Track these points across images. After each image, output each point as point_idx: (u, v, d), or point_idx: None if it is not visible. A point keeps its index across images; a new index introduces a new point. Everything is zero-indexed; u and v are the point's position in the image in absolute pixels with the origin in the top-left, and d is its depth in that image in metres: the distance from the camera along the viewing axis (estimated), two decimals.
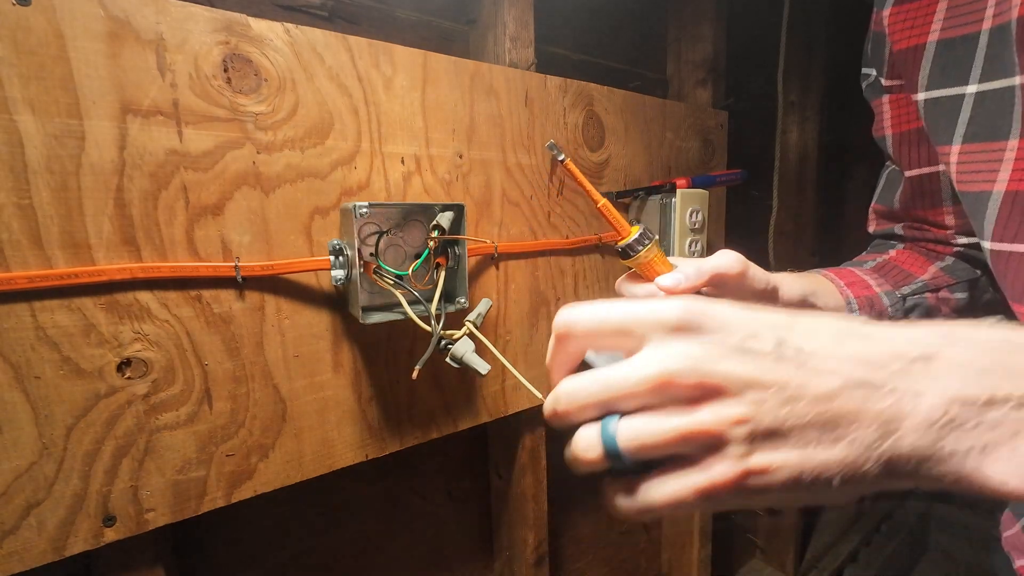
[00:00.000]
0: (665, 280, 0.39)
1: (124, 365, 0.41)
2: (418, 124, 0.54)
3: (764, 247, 1.11)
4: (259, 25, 0.44)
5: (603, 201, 0.40)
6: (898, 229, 0.59)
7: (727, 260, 0.40)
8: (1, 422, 0.37)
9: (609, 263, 0.77)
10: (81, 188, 0.38)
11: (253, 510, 0.57)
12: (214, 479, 0.46)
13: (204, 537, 0.57)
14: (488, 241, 0.60)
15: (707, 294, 0.40)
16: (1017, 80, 0.38)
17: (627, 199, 0.76)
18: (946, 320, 0.22)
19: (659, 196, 0.73)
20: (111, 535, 0.42)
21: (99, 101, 0.38)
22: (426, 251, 0.51)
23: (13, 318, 0.37)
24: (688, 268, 0.40)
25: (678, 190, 0.72)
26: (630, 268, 0.43)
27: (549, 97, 0.64)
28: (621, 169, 0.75)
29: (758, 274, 0.42)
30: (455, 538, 0.79)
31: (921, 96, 0.45)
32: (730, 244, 0.99)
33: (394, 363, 0.55)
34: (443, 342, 0.46)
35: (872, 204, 0.61)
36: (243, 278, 0.45)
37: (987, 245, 0.42)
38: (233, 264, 0.44)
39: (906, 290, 0.53)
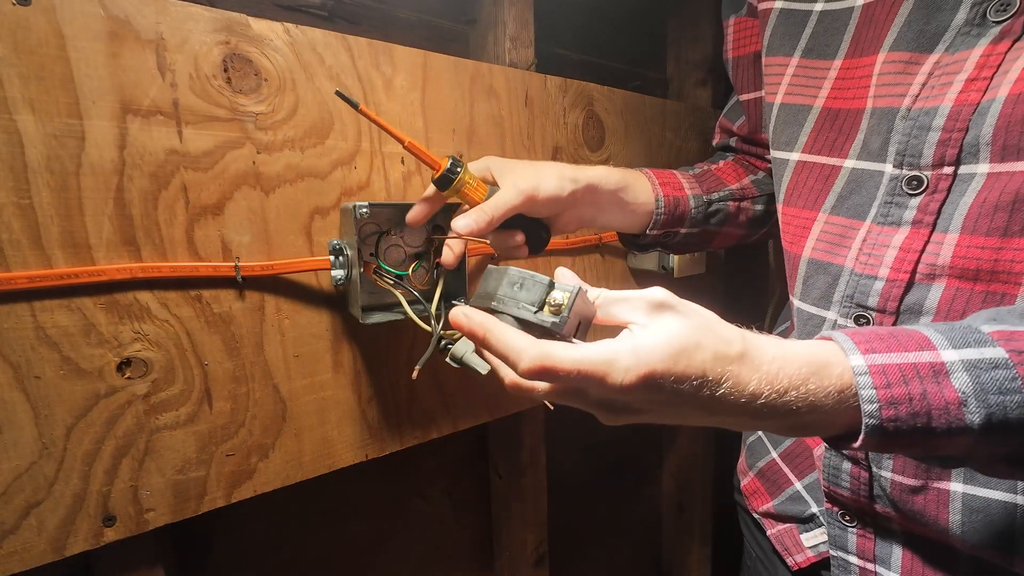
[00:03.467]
0: (458, 223, 0.42)
1: (124, 365, 0.41)
2: (418, 124, 0.54)
3: (764, 245, 1.11)
4: (259, 25, 0.44)
5: (409, 139, 0.43)
6: (732, 143, 0.66)
7: (508, 197, 0.44)
8: (1, 422, 0.37)
9: (609, 263, 0.77)
10: (81, 188, 0.38)
11: (253, 510, 0.57)
12: (214, 479, 0.46)
13: (204, 537, 0.57)
14: (488, 241, 0.60)
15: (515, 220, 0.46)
16: (859, 1, 0.43)
17: None
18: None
19: None
20: (111, 535, 0.42)
21: (99, 101, 0.38)
22: (426, 251, 0.51)
23: (13, 318, 0.37)
24: (481, 217, 0.43)
25: None
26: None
27: (549, 97, 0.64)
28: None
29: (550, 189, 0.46)
30: (455, 538, 0.79)
31: (777, 4, 0.50)
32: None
33: (394, 363, 0.55)
34: (443, 342, 0.46)
35: (719, 119, 0.68)
36: (243, 278, 0.45)
37: (795, 156, 0.48)
38: (233, 264, 0.44)
39: (714, 196, 0.59)
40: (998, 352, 0.27)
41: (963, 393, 0.26)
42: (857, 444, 0.28)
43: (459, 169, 0.43)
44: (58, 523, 0.40)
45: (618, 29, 0.90)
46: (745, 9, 0.59)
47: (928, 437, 0.27)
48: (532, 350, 0.29)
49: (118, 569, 0.44)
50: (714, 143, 0.70)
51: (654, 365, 0.27)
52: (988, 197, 0.35)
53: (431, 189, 0.45)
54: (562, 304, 0.31)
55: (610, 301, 0.32)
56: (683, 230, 0.58)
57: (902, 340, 0.29)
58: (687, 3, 0.93)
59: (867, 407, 0.27)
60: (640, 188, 0.54)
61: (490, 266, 0.35)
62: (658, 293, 0.30)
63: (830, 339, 0.30)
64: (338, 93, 0.39)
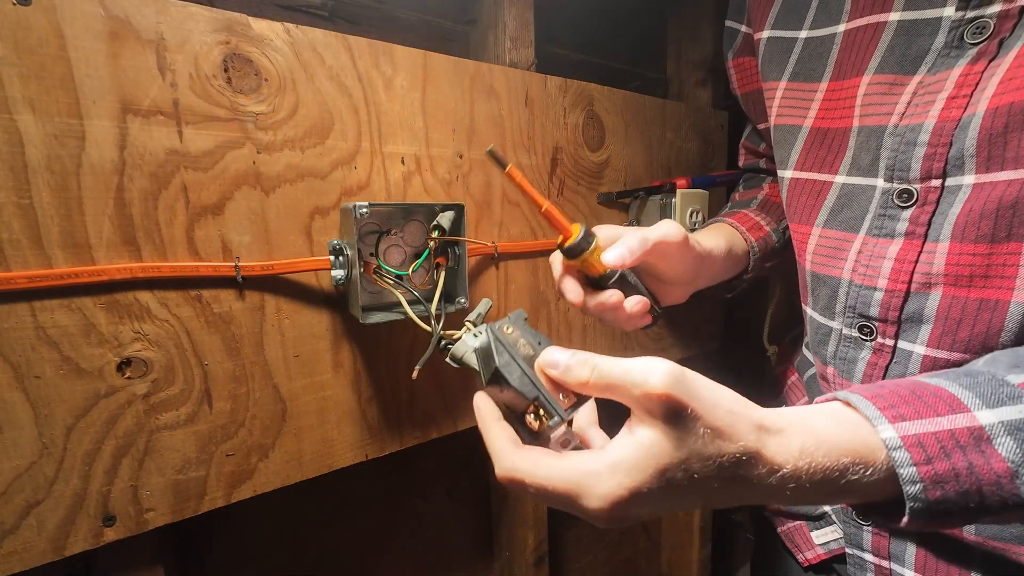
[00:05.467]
0: (609, 256, 0.42)
1: (124, 365, 0.41)
2: (418, 124, 0.54)
3: None
4: (259, 25, 0.44)
5: (547, 205, 0.41)
6: (762, 163, 0.70)
7: (669, 229, 0.45)
8: (1, 422, 0.37)
9: None
10: (81, 188, 0.38)
11: (253, 510, 0.57)
12: (214, 479, 0.46)
13: (204, 537, 0.57)
14: (488, 242, 0.60)
15: (649, 263, 0.46)
16: (840, 28, 0.45)
17: (627, 199, 0.76)
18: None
19: (659, 196, 0.73)
20: (111, 535, 0.42)
21: (99, 101, 0.38)
22: (426, 251, 0.51)
23: (13, 318, 0.37)
24: (632, 241, 0.43)
25: (678, 190, 0.72)
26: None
27: (549, 97, 0.64)
28: (621, 169, 0.75)
29: (697, 241, 0.49)
30: (455, 538, 0.79)
31: (765, 34, 0.52)
32: None
33: (394, 363, 0.55)
34: (443, 342, 0.46)
35: (741, 141, 0.73)
36: (243, 278, 0.45)
37: (789, 174, 0.50)
38: (233, 264, 0.44)
39: (784, 222, 0.63)
40: None
41: (1012, 463, 0.24)
42: (903, 524, 0.25)
43: (592, 242, 0.41)
44: (58, 523, 0.40)
45: (618, 29, 0.90)
46: (740, 40, 0.62)
47: (980, 514, 0.25)
48: (504, 460, 0.28)
49: (118, 569, 0.44)
50: (741, 164, 0.74)
51: (637, 487, 0.25)
52: (974, 206, 0.36)
53: (560, 257, 0.44)
54: (545, 422, 0.30)
55: (603, 383, 0.28)
56: (768, 264, 0.61)
57: (928, 401, 0.26)
58: (687, 3, 0.93)
59: (910, 488, 0.24)
60: (736, 242, 0.57)
61: (525, 323, 0.34)
62: (656, 380, 0.25)
63: (847, 404, 0.27)
64: (490, 152, 0.39)
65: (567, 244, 0.42)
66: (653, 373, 0.25)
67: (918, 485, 0.24)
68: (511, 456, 0.29)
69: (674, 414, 0.25)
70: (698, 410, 0.25)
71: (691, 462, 0.25)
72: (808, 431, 0.26)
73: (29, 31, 0.36)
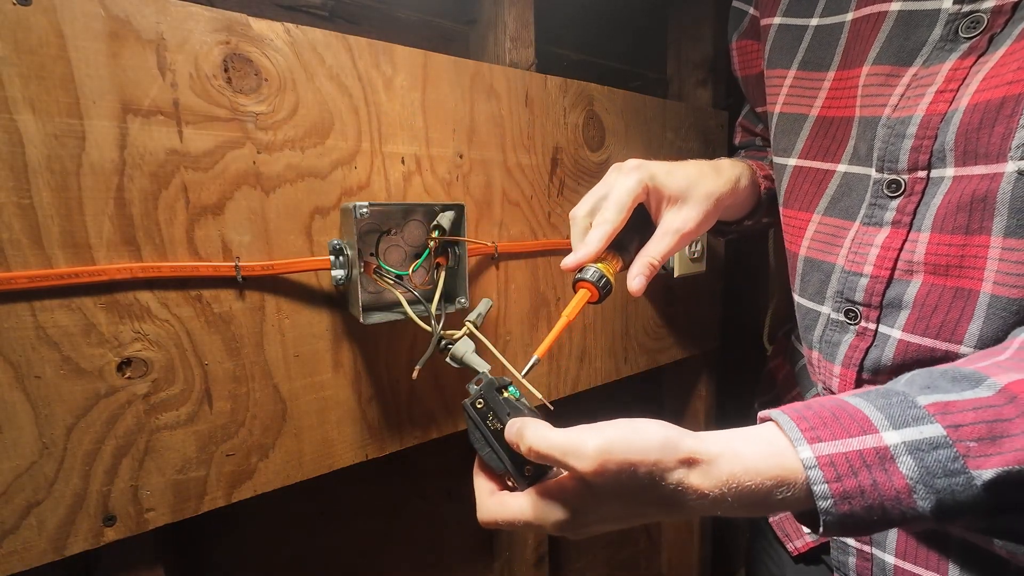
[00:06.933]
0: (634, 285, 0.45)
1: (124, 365, 0.41)
2: (418, 124, 0.54)
3: (764, 246, 1.11)
4: (259, 25, 0.44)
5: (565, 322, 0.43)
6: (758, 141, 0.72)
7: (666, 245, 0.47)
8: (1, 422, 0.37)
9: None
10: (81, 188, 0.38)
11: (253, 510, 0.57)
12: (214, 479, 0.46)
13: (204, 537, 0.57)
14: (489, 242, 0.60)
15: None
16: (849, 16, 0.46)
17: None
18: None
19: None
20: (111, 535, 0.42)
21: (99, 101, 0.38)
22: (426, 251, 0.51)
23: (13, 318, 0.37)
24: (649, 270, 0.46)
25: None
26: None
27: (549, 97, 0.64)
28: None
29: (722, 192, 0.51)
30: (455, 538, 0.79)
31: (776, 21, 0.53)
32: (730, 243, 0.99)
33: (394, 363, 0.55)
34: (443, 342, 0.46)
35: (739, 120, 0.74)
36: (243, 278, 0.45)
37: (792, 162, 0.51)
38: (233, 264, 0.44)
39: None
40: (936, 429, 0.27)
41: (911, 479, 0.27)
42: (819, 532, 0.29)
43: (609, 287, 0.44)
44: (58, 523, 0.40)
45: (618, 29, 0.90)
46: (746, 22, 0.62)
47: (886, 523, 0.28)
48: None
49: (118, 569, 0.44)
50: (737, 142, 0.74)
51: (614, 446, 0.29)
52: (952, 198, 0.38)
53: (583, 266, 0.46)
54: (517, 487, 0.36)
55: (543, 458, 0.33)
56: (765, 220, 0.62)
57: (844, 422, 0.29)
58: (687, 3, 0.93)
59: (822, 503, 0.27)
60: (752, 180, 0.58)
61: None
62: (591, 454, 0.31)
63: (777, 424, 0.31)
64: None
65: (595, 301, 0.44)
66: (585, 448, 0.29)
67: (829, 500, 0.27)
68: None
69: (614, 472, 0.29)
70: (634, 460, 0.29)
71: (630, 495, 0.29)
72: (735, 459, 0.29)
73: (29, 31, 0.36)
